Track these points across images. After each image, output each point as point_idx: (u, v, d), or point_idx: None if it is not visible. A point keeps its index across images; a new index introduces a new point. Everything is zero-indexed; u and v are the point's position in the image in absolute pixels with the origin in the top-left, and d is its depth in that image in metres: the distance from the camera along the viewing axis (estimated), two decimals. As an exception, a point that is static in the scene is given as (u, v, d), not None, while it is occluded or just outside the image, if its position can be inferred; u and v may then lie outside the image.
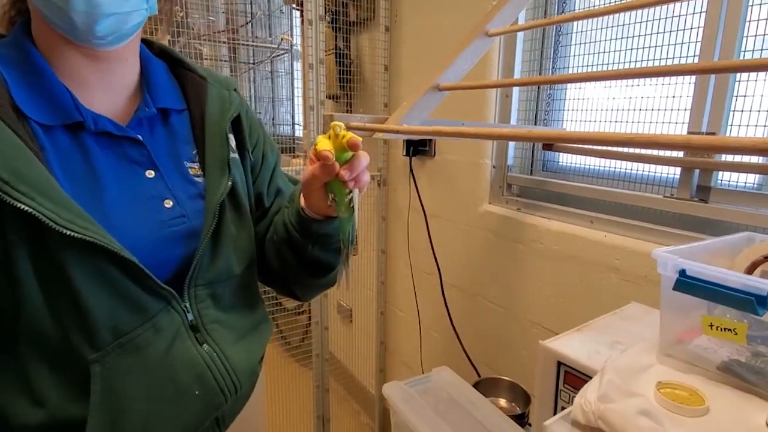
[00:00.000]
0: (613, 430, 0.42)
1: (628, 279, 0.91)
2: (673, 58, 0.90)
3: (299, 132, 1.75)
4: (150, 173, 0.55)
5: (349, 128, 0.76)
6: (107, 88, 0.55)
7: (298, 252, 0.63)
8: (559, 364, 0.64)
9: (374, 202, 1.77)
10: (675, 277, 0.53)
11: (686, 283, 0.51)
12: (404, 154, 1.54)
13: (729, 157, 0.81)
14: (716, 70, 0.69)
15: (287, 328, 2.30)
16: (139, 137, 0.55)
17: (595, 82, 1.06)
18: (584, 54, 1.08)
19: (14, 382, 0.47)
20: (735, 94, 0.81)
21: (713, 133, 0.83)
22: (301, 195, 0.60)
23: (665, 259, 0.54)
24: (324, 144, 0.52)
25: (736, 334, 0.49)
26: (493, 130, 0.56)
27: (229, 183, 0.59)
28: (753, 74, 0.78)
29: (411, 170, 1.52)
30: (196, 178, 0.59)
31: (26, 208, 0.42)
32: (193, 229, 0.56)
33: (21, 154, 0.44)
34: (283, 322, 2.32)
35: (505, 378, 1.10)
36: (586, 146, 1.07)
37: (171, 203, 0.55)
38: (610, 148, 1.02)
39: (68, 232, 0.43)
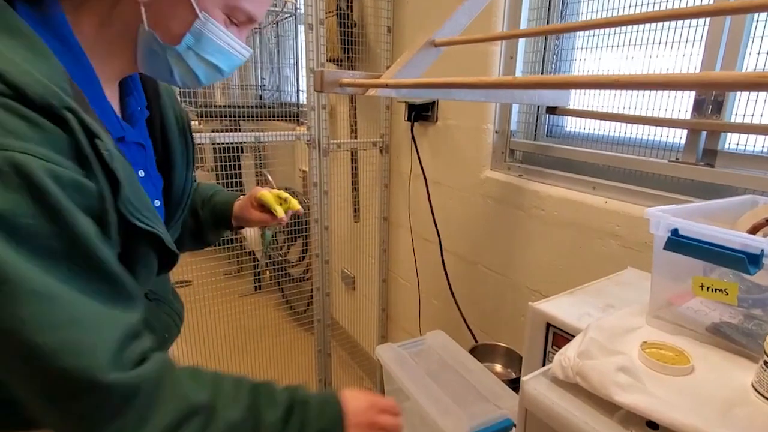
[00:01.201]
0: (591, 385, 0.42)
1: (627, 245, 0.89)
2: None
3: (303, 98, 1.72)
4: (141, 173, 0.56)
5: (341, 84, 0.74)
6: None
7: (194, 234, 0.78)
8: (548, 325, 0.63)
9: (376, 169, 1.75)
10: (666, 237, 0.51)
11: (677, 243, 0.49)
12: (406, 119, 1.51)
13: (738, 119, 0.77)
14: (731, 11, 0.65)
15: (292, 293, 2.34)
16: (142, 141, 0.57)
17: (605, 34, 1.01)
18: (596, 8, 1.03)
19: None
20: (751, 35, 0.75)
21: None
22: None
23: (657, 218, 0.52)
24: (279, 210, 0.76)
25: (727, 294, 0.48)
26: (487, 79, 0.53)
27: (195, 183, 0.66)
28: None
29: (413, 136, 1.49)
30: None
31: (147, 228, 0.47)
32: (167, 223, 0.62)
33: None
34: (288, 287, 2.35)
35: (501, 344, 1.10)
36: (590, 110, 1.03)
37: (159, 203, 0.59)
38: (616, 111, 0.98)
39: (142, 226, 0.46)
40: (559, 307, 0.64)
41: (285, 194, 0.76)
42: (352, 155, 1.84)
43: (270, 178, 1.97)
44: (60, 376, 0.36)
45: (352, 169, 1.84)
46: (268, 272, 2.51)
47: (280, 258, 2.31)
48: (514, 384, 0.98)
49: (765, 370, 0.41)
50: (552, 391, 0.44)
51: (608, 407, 0.41)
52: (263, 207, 0.77)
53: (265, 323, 1.84)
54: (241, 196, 0.81)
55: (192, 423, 0.42)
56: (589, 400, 0.42)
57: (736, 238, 0.44)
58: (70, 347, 0.36)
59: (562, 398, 0.43)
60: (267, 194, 0.76)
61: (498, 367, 1.10)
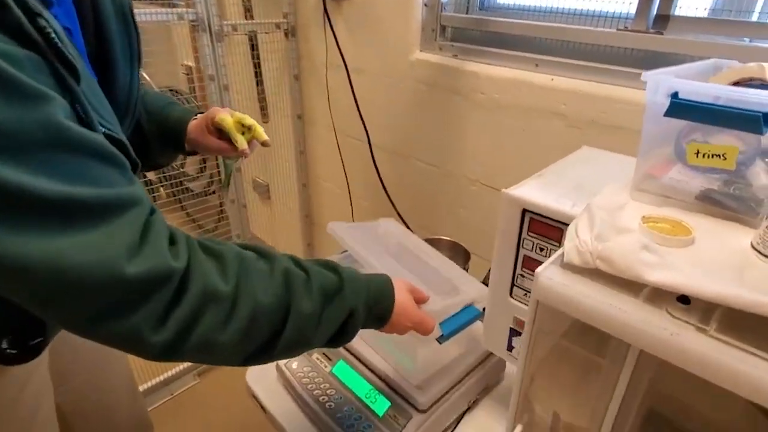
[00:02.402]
0: (615, 268, 0.37)
1: (574, 125, 0.86)
2: None
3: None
4: None
5: None
6: None
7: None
8: (524, 211, 0.59)
9: (282, 57, 1.51)
10: (666, 102, 0.46)
11: (681, 106, 0.45)
12: (317, -8, 1.27)
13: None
14: None
15: (196, 210, 2.10)
16: None
17: None
18: None
19: None
20: None
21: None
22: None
23: (657, 82, 0.47)
24: (240, 139, 0.67)
25: (725, 159, 0.45)
26: None
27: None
28: None
29: (326, 15, 1.27)
30: None
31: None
32: None
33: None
34: (190, 205, 2.11)
35: (445, 238, 1.08)
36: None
37: None
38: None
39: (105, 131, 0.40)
40: (532, 192, 0.59)
41: (249, 120, 0.66)
42: (250, 41, 1.55)
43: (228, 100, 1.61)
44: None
45: (252, 59, 1.57)
46: (162, 189, 2.22)
47: (176, 171, 2.02)
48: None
49: (771, 231, 0.40)
50: (570, 279, 0.39)
51: (631, 288, 0.38)
52: (222, 133, 0.67)
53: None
54: (198, 115, 0.70)
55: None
56: (611, 283, 0.38)
57: (753, 96, 0.41)
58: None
59: (583, 285, 0.38)
60: (227, 119, 0.66)
61: (441, 260, 1.10)
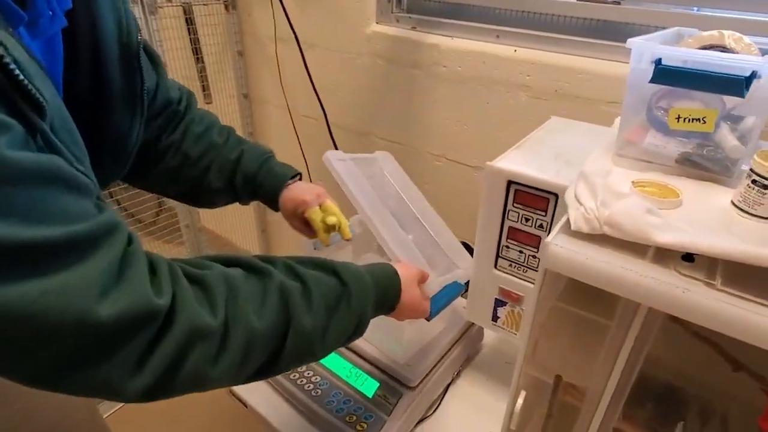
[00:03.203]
0: (624, 232, 0.38)
1: (538, 96, 0.88)
2: None
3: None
4: None
5: None
6: None
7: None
8: (509, 183, 0.59)
9: (223, 32, 1.41)
10: (649, 68, 0.47)
11: (666, 72, 0.46)
12: (262, -40, 1.18)
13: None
14: None
15: (131, 204, 1.94)
16: None
17: None
18: None
19: None
20: None
21: None
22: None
23: (641, 48, 0.48)
24: (324, 237, 0.71)
25: (704, 122, 0.48)
26: None
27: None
28: None
29: (273, -16, 1.19)
30: None
31: None
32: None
33: None
34: (123, 198, 1.94)
35: (412, 213, 1.08)
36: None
37: None
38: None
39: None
40: (516, 163, 0.59)
41: (334, 220, 0.70)
42: (185, 14, 1.42)
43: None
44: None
45: (189, 34, 1.44)
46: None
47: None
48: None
49: (752, 188, 0.43)
50: (579, 245, 0.40)
51: (636, 250, 0.39)
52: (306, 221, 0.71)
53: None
54: (290, 183, 0.71)
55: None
56: (617, 247, 0.39)
57: (735, 62, 0.42)
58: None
59: (592, 250, 0.39)
60: (316, 219, 0.70)
61: (407, 237, 1.10)
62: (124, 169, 0.54)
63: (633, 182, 0.48)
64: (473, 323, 0.82)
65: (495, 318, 0.69)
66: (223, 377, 0.39)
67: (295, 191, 0.71)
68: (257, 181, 0.70)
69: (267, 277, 0.44)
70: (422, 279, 0.61)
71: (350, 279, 0.49)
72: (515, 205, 0.60)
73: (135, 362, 0.33)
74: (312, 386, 0.73)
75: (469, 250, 0.91)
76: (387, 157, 0.85)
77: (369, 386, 0.72)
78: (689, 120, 0.48)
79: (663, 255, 0.38)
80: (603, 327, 0.44)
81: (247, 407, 0.76)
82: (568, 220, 0.42)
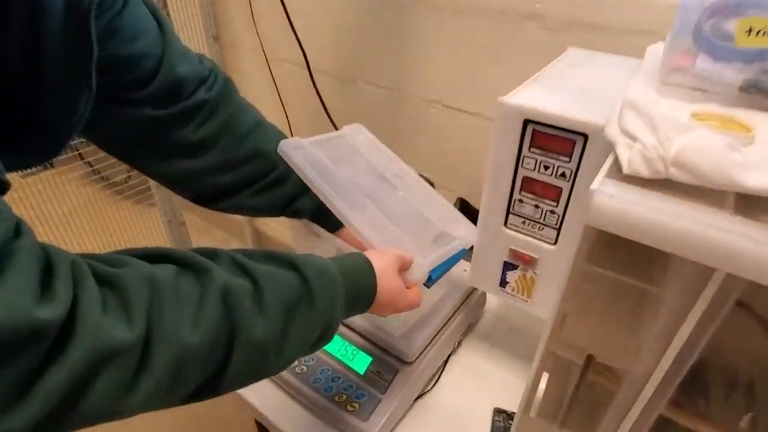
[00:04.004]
0: (701, 174, 0.28)
1: (551, 27, 0.75)
2: None
3: None
4: None
5: None
6: None
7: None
8: (526, 123, 0.48)
9: (189, -34, 1.23)
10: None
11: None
12: None
13: None
14: None
15: (101, 164, 1.79)
16: None
17: None
18: None
19: None
20: None
21: None
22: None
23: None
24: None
25: (784, 34, 0.37)
26: None
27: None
28: None
29: None
30: None
31: None
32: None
33: None
34: (93, 157, 1.79)
35: (405, 167, 0.97)
36: None
37: None
38: None
39: None
40: (534, 99, 0.49)
41: None
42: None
43: None
44: None
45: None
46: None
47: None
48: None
49: None
50: (635, 194, 0.30)
51: (712, 198, 0.29)
52: None
53: (79, 205, 1.39)
54: None
55: None
56: (686, 195, 0.30)
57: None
58: None
59: (654, 201, 0.29)
60: None
61: (400, 194, 0.99)
62: (60, 150, 0.46)
63: (693, 114, 0.38)
64: (476, 288, 0.74)
65: (503, 283, 0.60)
66: (146, 404, 0.30)
67: None
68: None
69: (205, 276, 0.34)
70: (404, 266, 0.51)
71: (312, 274, 0.39)
72: (532, 149, 0.50)
73: (13, 390, 0.24)
74: (296, 363, 0.65)
75: (469, 209, 0.81)
76: (357, 131, 0.74)
77: (361, 362, 0.64)
78: (763, 33, 0.37)
79: (751, 204, 0.29)
80: (654, 297, 0.35)
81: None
82: (615, 162, 0.33)
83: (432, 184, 0.90)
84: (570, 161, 0.48)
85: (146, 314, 0.30)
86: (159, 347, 0.30)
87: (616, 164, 0.32)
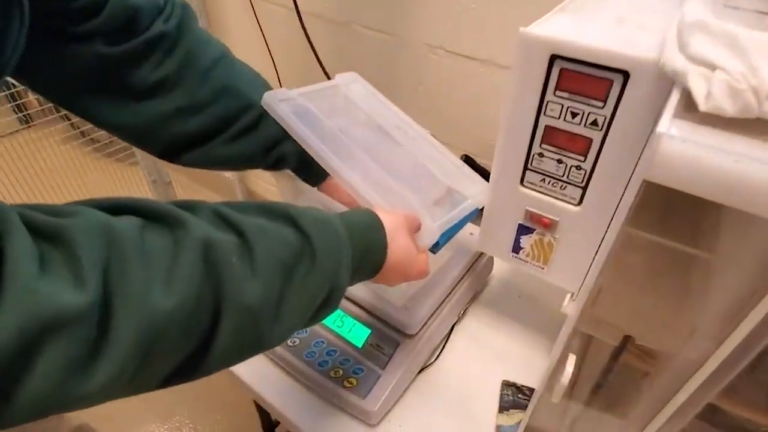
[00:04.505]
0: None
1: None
2: None
3: None
4: None
5: None
6: None
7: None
8: (553, 59, 0.40)
9: None
10: None
11: None
12: None
13: None
14: None
15: (85, 122, 1.69)
16: None
17: None
18: None
19: None
20: None
21: None
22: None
23: None
24: None
25: None
26: None
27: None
28: None
29: None
30: None
31: None
32: None
33: None
34: (78, 121, 1.69)
35: (405, 121, 0.88)
36: None
37: None
38: None
39: None
40: (563, 30, 0.40)
41: None
42: None
43: None
44: None
45: None
46: (32, 96, 1.75)
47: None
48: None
49: None
50: (718, 138, 0.23)
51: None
52: None
53: (58, 164, 1.31)
54: None
55: None
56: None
57: None
58: None
59: (744, 145, 0.22)
60: None
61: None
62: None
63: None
64: (483, 253, 0.68)
65: (516, 249, 0.54)
66: (111, 387, 0.24)
67: None
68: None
69: (179, 229, 0.27)
70: (413, 227, 0.45)
71: (312, 227, 0.33)
72: (559, 93, 0.42)
73: None
74: (288, 335, 0.59)
75: (475, 168, 0.73)
76: (352, 79, 0.65)
77: (359, 334, 0.58)
78: None
79: None
80: (713, 269, 0.29)
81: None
82: (682, 101, 0.25)
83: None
84: (604, 106, 0.40)
85: (101, 274, 0.23)
86: (122, 315, 0.23)
87: (684, 102, 0.25)
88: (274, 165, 0.56)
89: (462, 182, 0.58)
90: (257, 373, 0.59)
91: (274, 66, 1.14)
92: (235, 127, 0.51)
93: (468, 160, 0.85)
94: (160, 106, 0.46)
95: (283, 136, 0.53)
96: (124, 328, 0.23)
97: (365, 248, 0.38)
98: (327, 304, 0.35)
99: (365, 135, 0.59)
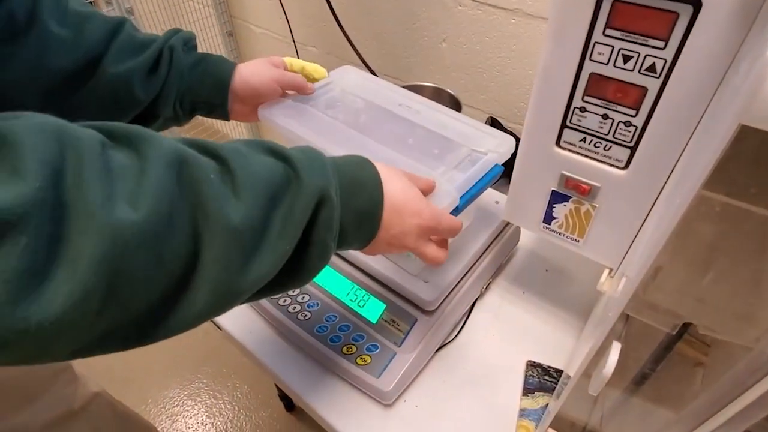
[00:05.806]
0: None
1: None
2: None
3: None
4: None
5: None
6: None
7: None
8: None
9: None
10: None
11: None
12: None
13: None
14: None
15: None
16: None
17: None
18: None
19: None
20: None
21: None
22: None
23: None
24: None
25: None
26: None
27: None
28: None
29: None
30: None
31: None
32: None
33: None
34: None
35: (428, 84, 0.81)
36: None
37: None
38: None
39: None
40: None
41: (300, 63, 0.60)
42: None
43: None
44: None
45: None
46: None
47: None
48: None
49: None
50: None
51: None
52: None
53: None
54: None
55: None
56: None
57: None
58: None
59: None
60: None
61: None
62: None
63: None
64: (509, 223, 0.62)
65: (548, 219, 0.48)
66: (78, 319, 0.20)
67: (245, 73, 0.56)
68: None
69: (147, 146, 0.24)
70: (426, 187, 0.41)
71: (294, 153, 0.31)
72: (609, 31, 0.35)
73: None
74: (298, 307, 0.56)
75: (502, 130, 0.67)
76: (345, 72, 0.63)
77: (373, 309, 0.54)
78: None
79: None
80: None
81: (221, 330, 0.60)
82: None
83: (458, 103, 0.76)
84: (665, 47, 0.33)
85: (51, 174, 0.20)
86: (79, 225, 0.20)
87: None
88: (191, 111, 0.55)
89: (482, 141, 0.53)
90: (266, 347, 0.56)
91: (288, 23, 1.07)
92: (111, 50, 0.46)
93: (494, 123, 0.78)
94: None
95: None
96: (82, 241, 0.20)
97: (352, 177, 0.34)
98: (311, 231, 0.31)
99: (367, 119, 0.56)
